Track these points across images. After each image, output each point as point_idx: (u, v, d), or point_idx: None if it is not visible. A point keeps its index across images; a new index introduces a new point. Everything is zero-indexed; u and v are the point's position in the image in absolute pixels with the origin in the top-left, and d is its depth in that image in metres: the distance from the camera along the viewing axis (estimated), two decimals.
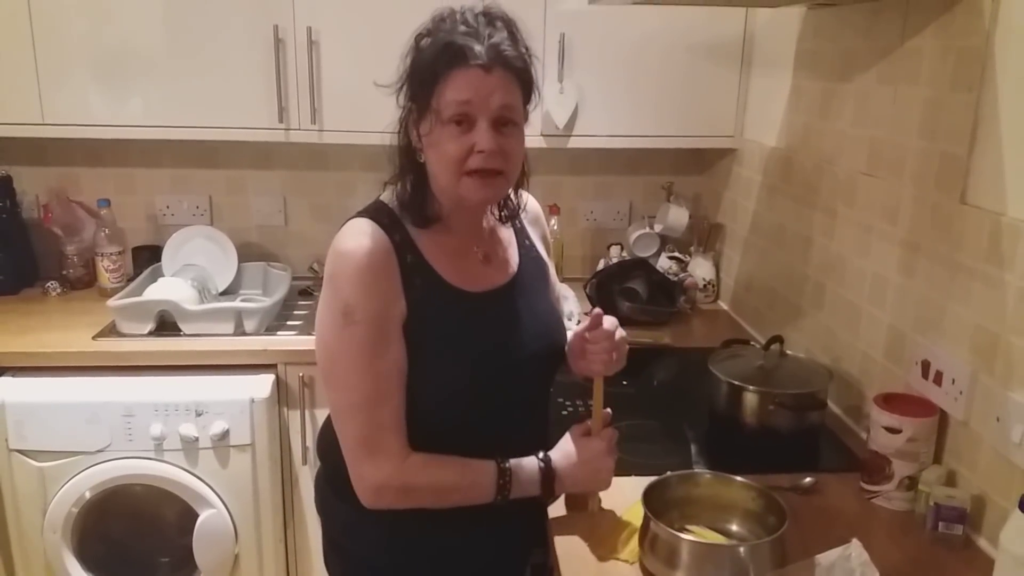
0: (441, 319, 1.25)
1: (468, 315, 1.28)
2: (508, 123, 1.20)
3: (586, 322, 1.34)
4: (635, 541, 1.26)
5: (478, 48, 1.16)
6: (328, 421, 1.42)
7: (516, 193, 1.36)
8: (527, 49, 1.23)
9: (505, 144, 1.19)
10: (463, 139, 1.18)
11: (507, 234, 1.39)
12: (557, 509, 1.40)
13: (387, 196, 1.30)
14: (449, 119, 1.17)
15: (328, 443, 1.40)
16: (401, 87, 1.24)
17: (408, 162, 1.26)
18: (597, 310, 1.33)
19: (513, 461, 1.27)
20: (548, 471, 1.28)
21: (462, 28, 1.18)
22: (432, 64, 1.18)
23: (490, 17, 1.21)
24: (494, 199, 1.32)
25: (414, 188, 1.26)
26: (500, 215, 1.37)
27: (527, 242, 1.41)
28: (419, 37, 1.22)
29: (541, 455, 1.30)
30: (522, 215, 1.42)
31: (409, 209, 1.26)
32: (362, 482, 1.24)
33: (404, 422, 1.23)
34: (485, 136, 1.17)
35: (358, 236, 1.22)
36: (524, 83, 1.22)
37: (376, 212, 1.27)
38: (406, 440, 1.23)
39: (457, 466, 1.25)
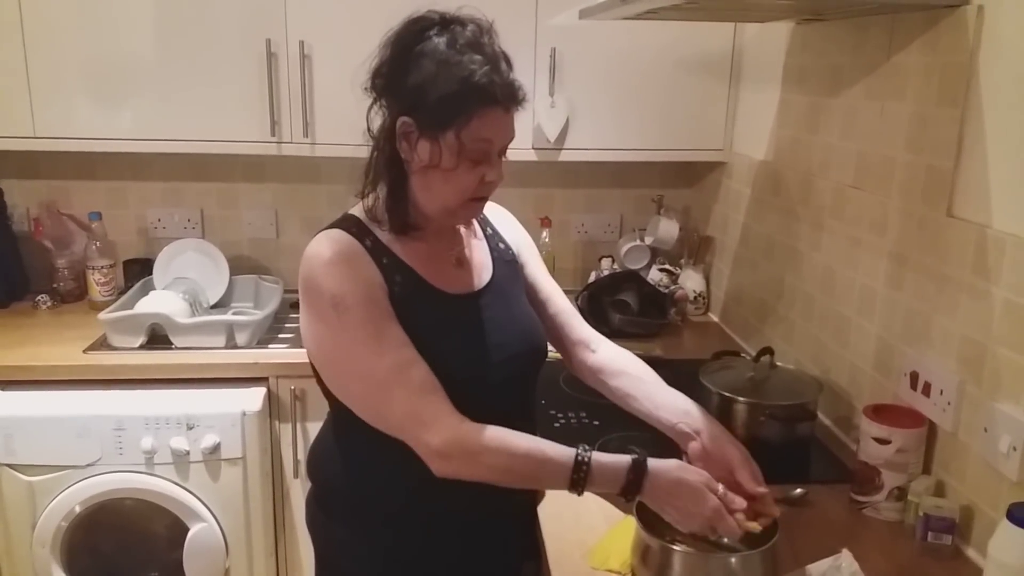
0: (426, 317, 1.25)
1: (450, 315, 1.29)
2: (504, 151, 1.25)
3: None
4: (627, 552, 1.26)
5: (501, 86, 1.17)
6: (318, 441, 1.42)
7: None
8: (508, 59, 1.24)
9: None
10: (476, 170, 1.21)
11: (479, 238, 1.41)
12: (550, 522, 1.40)
13: (356, 210, 1.30)
14: (470, 154, 1.19)
15: (318, 462, 1.40)
16: (383, 92, 1.22)
17: (393, 172, 1.25)
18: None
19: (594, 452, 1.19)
20: (639, 463, 1.18)
21: (479, 59, 1.16)
22: (456, 100, 1.16)
23: (488, 35, 1.20)
24: (478, 215, 1.37)
25: (395, 197, 1.25)
26: None
27: (501, 245, 1.43)
28: (413, 41, 1.18)
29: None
30: (491, 219, 1.44)
31: (391, 216, 1.25)
32: (427, 450, 1.16)
33: (439, 384, 1.19)
34: (498, 170, 1.23)
35: (324, 241, 1.23)
36: None
37: (342, 222, 1.27)
38: (450, 402, 1.18)
39: (524, 435, 1.20)
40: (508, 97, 1.18)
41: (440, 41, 1.17)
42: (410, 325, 1.22)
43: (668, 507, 1.19)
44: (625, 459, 1.19)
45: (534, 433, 1.39)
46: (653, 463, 1.19)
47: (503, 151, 1.24)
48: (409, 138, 1.20)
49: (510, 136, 1.23)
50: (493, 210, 1.46)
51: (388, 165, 1.24)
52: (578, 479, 1.17)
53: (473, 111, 1.16)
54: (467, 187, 1.22)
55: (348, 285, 1.19)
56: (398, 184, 1.25)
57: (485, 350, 1.29)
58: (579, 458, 1.17)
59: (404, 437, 1.19)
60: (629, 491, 1.19)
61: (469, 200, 1.24)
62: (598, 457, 1.19)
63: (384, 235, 1.27)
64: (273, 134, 2.29)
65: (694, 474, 1.20)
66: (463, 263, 1.34)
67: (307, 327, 1.24)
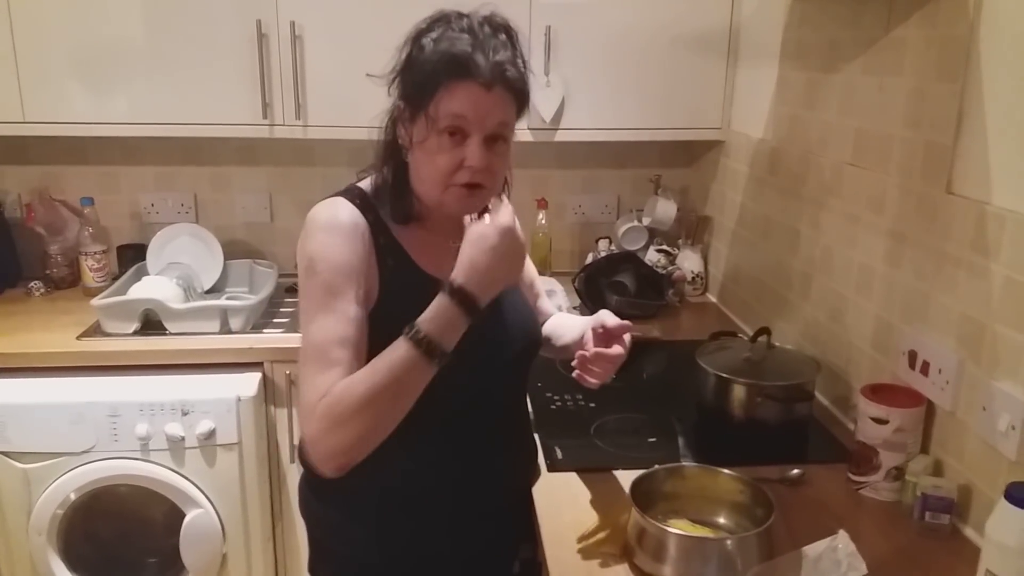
0: (415, 304, 1.22)
1: None
2: (499, 140, 1.21)
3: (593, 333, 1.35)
4: (623, 535, 1.25)
5: (482, 64, 1.15)
6: None
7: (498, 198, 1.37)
8: (524, 63, 1.23)
9: (493, 161, 1.20)
10: (454, 152, 1.18)
11: None
12: (545, 503, 1.39)
13: (365, 183, 1.30)
14: (443, 130, 1.17)
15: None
16: (394, 79, 1.23)
17: (392, 157, 1.26)
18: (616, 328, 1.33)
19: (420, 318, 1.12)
20: (456, 292, 1.12)
21: (467, 38, 1.16)
22: (433, 71, 1.16)
23: (495, 27, 1.20)
24: (474, 210, 1.29)
25: (395, 184, 1.26)
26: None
27: None
28: (420, 34, 1.20)
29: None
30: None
31: (389, 203, 1.26)
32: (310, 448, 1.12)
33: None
34: (476, 153, 1.17)
35: (329, 206, 1.23)
36: (520, 100, 1.22)
37: (349, 192, 1.27)
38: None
39: (360, 372, 1.11)
40: (487, 73, 1.15)
41: (444, 27, 1.19)
42: (399, 310, 1.20)
43: (499, 276, 1.15)
44: (444, 302, 1.11)
45: (528, 425, 1.39)
46: (458, 278, 1.12)
47: (495, 138, 1.20)
48: (403, 121, 1.21)
49: (492, 116, 1.18)
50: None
51: (391, 152, 1.25)
52: (431, 352, 1.09)
53: (446, 83, 1.15)
54: (444, 169, 1.18)
55: (327, 251, 1.18)
56: (399, 172, 1.25)
57: (477, 340, 1.27)
58: (416, 339, 1.09)
59: (301, 417, 1.13)
60: (471, 315, 1.12)
61: (453, 186, 1.20)
62: (422, 323, 1.11)
63: (387, 214, 1.27)
64: (265, 117, 2.27)
65: (481, 238, 1.14)
66: None
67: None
